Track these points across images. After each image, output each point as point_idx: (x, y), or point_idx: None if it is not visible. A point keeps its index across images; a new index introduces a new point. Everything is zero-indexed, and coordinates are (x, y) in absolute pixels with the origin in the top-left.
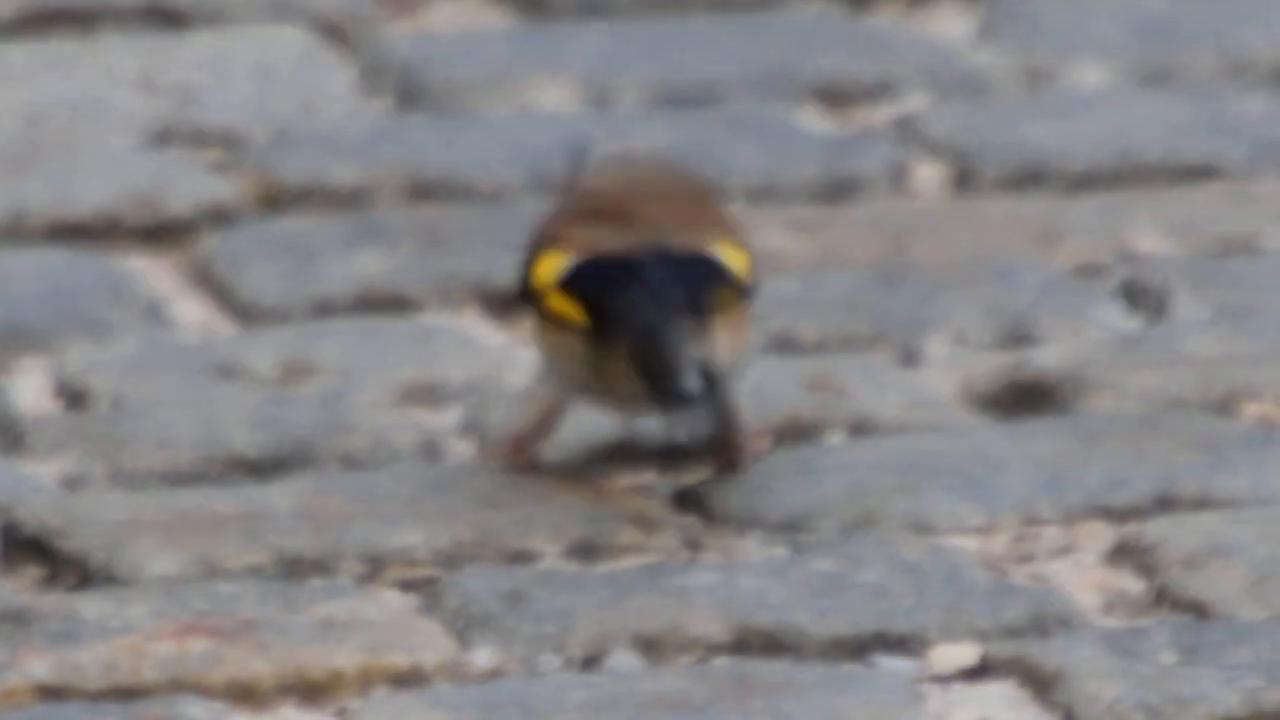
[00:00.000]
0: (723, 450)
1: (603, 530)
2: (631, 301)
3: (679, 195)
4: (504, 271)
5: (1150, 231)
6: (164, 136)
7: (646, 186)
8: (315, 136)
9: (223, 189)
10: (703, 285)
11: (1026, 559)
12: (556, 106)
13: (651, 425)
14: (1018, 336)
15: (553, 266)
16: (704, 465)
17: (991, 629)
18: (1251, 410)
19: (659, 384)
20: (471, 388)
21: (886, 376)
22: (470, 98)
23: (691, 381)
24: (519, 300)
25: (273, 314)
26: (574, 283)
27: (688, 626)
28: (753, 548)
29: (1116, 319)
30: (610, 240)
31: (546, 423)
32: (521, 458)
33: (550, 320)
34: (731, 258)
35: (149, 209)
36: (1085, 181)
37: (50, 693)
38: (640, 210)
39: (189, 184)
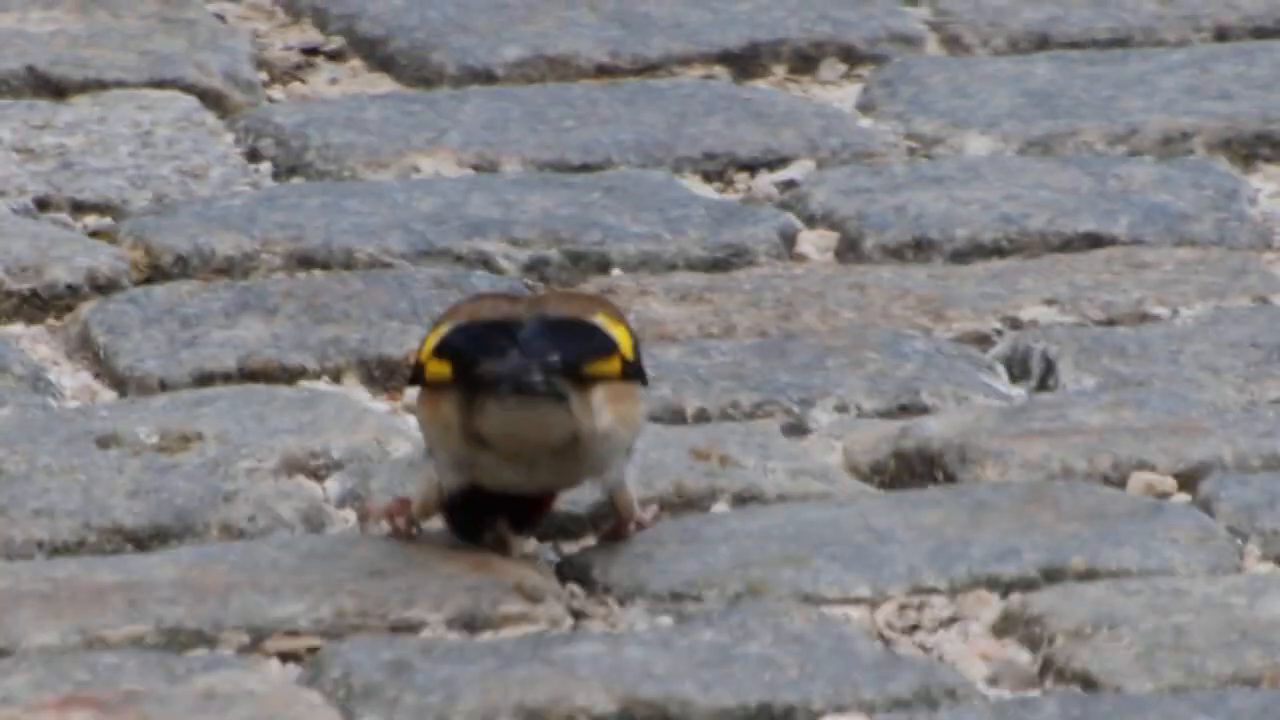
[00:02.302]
0: (610, 523)
1: (486, 600)
2: (497, 352)
3: (568, 293)
4: (386, 339)
5: (1036, 300)
6: (42, 204)
7: (538, 292)
8: (196, 205)
9: (102, 257)
10: (577, 337)
11: (914, 629)
12: (438, 173)
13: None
14: (904, 405)
15: (434, 338)
16: (589, 535)
17: (879, 700)
18: (1139, 481)
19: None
20: (353, 456)
21: (772, 446)
22: (351, 165)
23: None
24: (411, 383)
25: (152, 383)
26: (447, 342)
27: (573, 697)
28: (638, 618)
29: (1002, 388)
30: (487, 311)
31: (426, 504)
32: (404, 521)
33: (426, 388)
34: (613, 329)
35: (28, 276)
36: (971, 250)
37: None
38: (529, 298)
39: (68, 251)
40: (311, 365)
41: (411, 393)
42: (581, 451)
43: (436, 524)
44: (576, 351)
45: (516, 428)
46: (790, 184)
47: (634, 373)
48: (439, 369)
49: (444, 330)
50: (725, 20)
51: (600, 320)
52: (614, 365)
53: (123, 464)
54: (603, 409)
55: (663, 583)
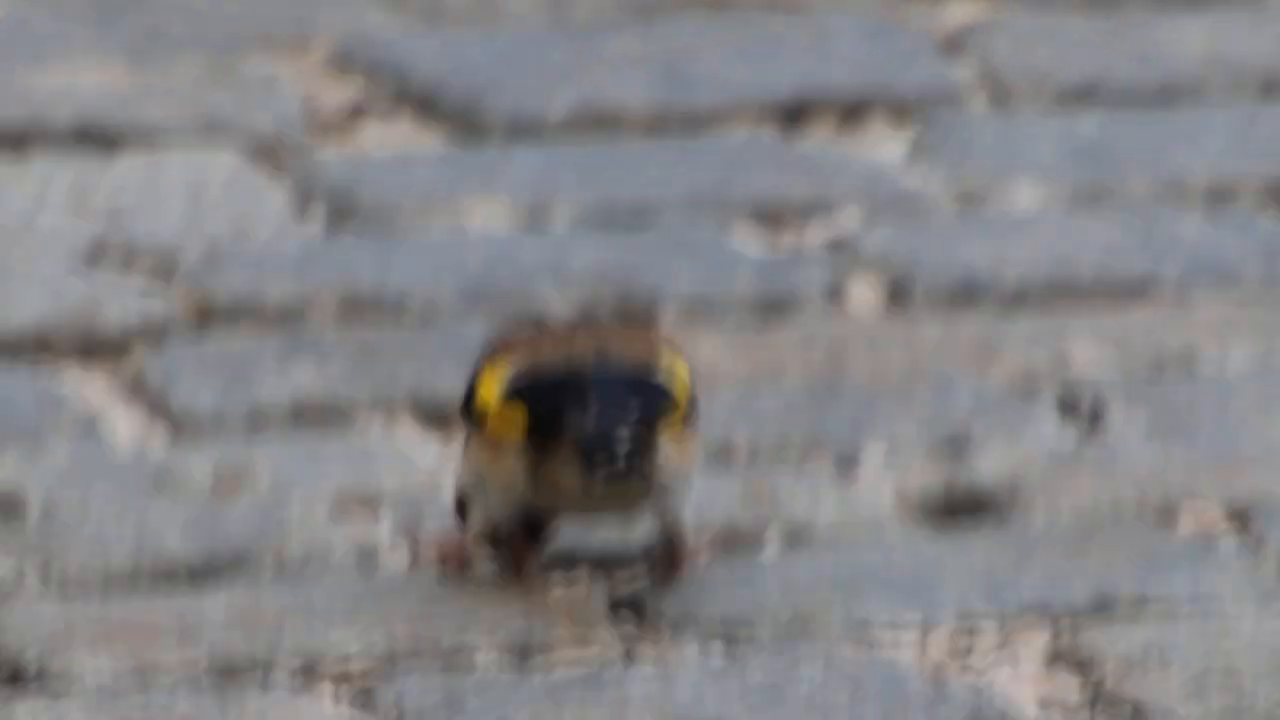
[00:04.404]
0: (664, 560)
1: (539, 635)
2: (573, 402)
3: (618, 326)
4: (438, 384)
5: (1086, 347)
6: (96, 256)
7: (587, 323)
8: (247, 256)
9: (155, 306)
10: (649, 395)
11: (964, 660)
12: (489, 226)
13: (588, 533)
14: (954, 448)
15: (495, 381)
16: (642, 573)
17: None
18: (1188, 521)
19: (597, 453)
20: (406, 498)
21: (823, 487)
22: (402, 218)
23: (626, 446)
24: (464, 425)
25: (207, 426)
26: (513, 390)
27: None
28: (689, 654)
29: (1052, 432)
30: (550, 353)
31: (471, 553)
32: (456, 563)
33: (490, 437)
34: (676, 371)
35: (82, 325)
36: (1020, 299)
37: None
38: (581, 333)
39: (121, 301)
40: (364, 409)
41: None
42: (648, 503)
43: (489, 562)
44: (649, 415)
45: (595, 496)
46: (839, 236)
47: (690, 416)
48: (508, 426)
49: (504, 374)
50: (772, 73)
51: (662, 366)
52: (677, 419)
53: (176, 505)
54: (668, 461)
55: (714, 616)
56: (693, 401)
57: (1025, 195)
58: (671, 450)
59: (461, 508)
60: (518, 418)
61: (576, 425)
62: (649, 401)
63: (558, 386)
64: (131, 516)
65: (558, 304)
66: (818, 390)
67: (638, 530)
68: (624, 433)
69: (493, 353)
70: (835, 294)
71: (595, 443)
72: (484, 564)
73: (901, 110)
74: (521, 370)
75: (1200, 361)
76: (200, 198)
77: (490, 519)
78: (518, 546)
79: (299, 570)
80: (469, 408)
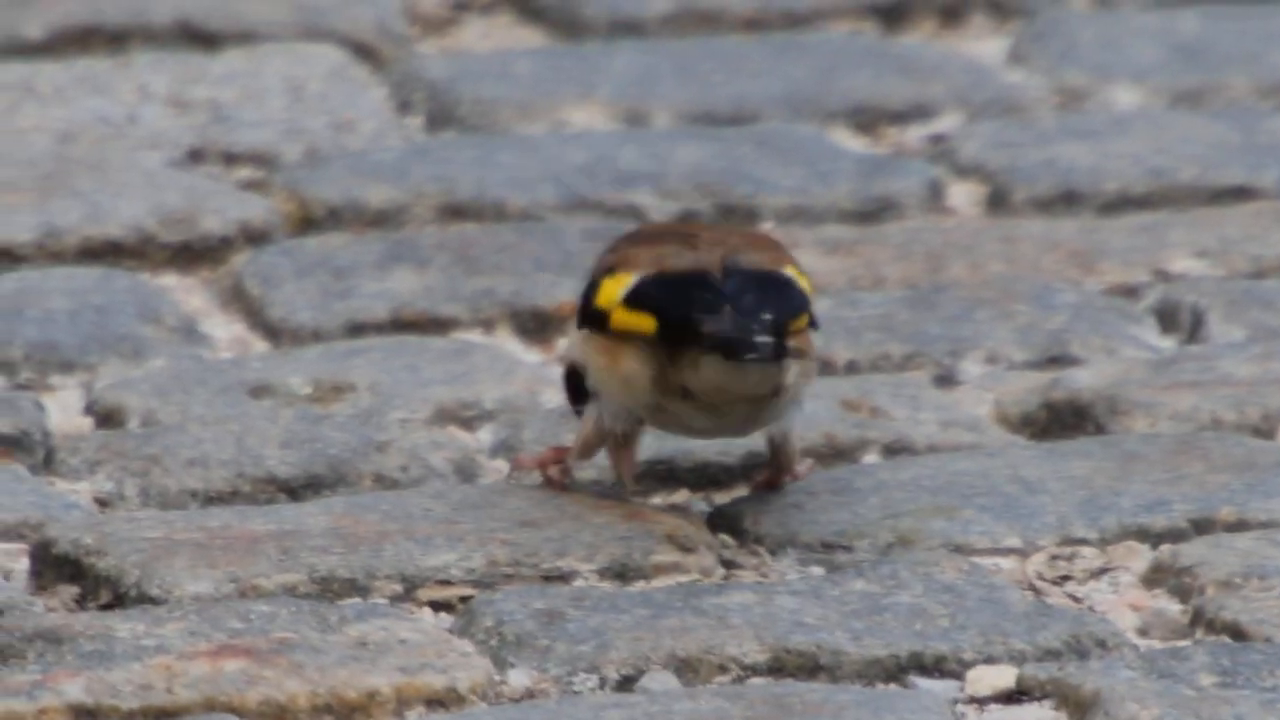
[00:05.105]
0: (768, 475)
1: (638, 550)
2: (707, 306)
3: (739, 230)
4: (538, 291)
5: (1185, 253)
6: (195, 155)
7: (705, 224)
8: (347, 156)
9: (254, 208)
10: (784, 301)
11: (1064, 580)
12: (588, 126)
13: (697, 447)
14: (1053, 357)
15: (617, 287)
16: (741, 485)
17: (1029, 651)
18: None
19: (735, 341)
20: (505, 407)
21: (922, 397)
22: (502, 117)
23: (765, 337)
24: (584, 325)
25: (305, 333)
26: (640, 293)
27: (724, 647)
28: (789, 568)
29: (1152, 340)
30: (676, 259)
31: (588, 446)
32: (558, 471)
33: (612, 338)
34: (801, 281)
35: (180, 228)
36: (1119, 203)
37: (84, 713)
38: (704, 235)
39: (220, 203)
40: (464, 316)
41: (566, 342)
42: (774, 403)
43: (588, 474)
44: (784, 312)
45: (734, 384)
46: (939, 137)
47: (814, 324)
48: (636, 321)
49: (629, 279)
50: None
51: (790, 272)
52: (805, 322)
53: (276, 414)
54: (793, 364)
55: (814, 533)
56: (813, 309)
57: (1124, 95)
58: (798, 359)
59: (574, 388)
60: (646, 321)
61: (714, 321)
62: (780, 300)
63: (691, 289)
64: (229, 428)
65: (657, 207)
66: (915, 297)
67: (741, 444)
68: (760, 324)
69: (614, 259)
70: (934, 197)
71: (738, 334)
72: (583, 477)
73: (1002, 9)
74: (650, 277)
75: None
76: (299, 97)
77: (603, 423)
78: (619, 451)
79: (398, 482)
80: (588, 311)
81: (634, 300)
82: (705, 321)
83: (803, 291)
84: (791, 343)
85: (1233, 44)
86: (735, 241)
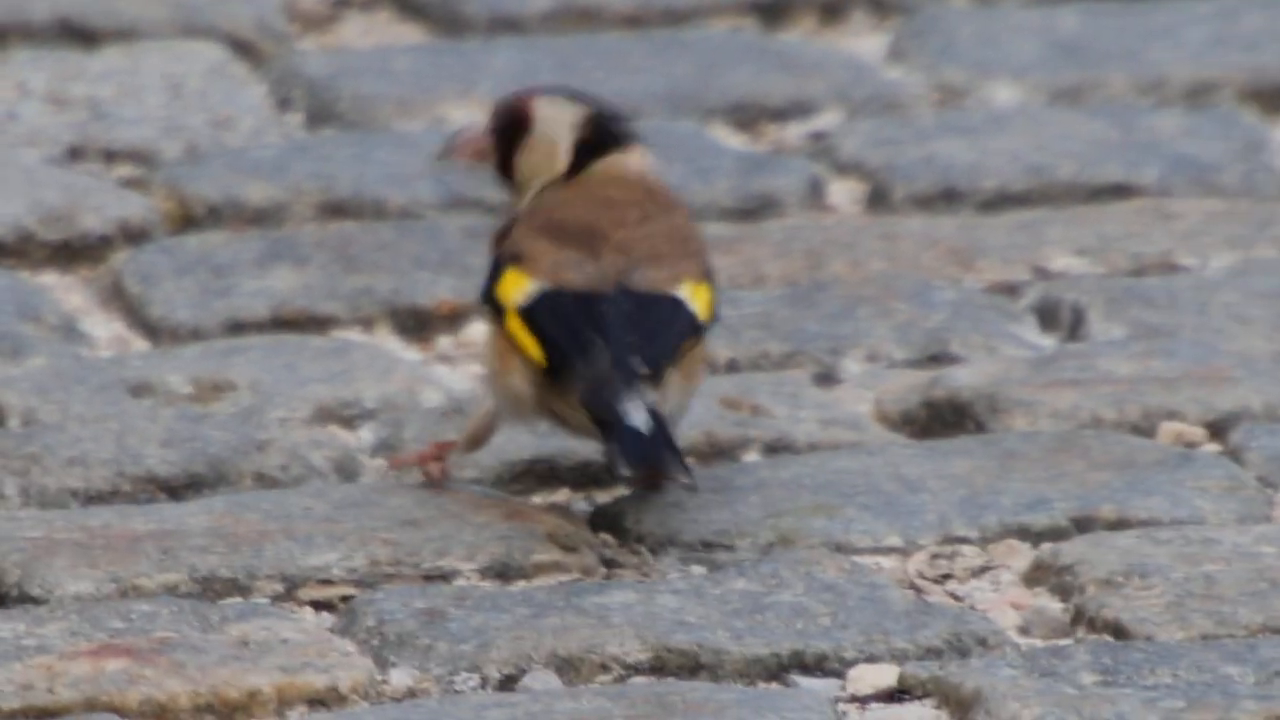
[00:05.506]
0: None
1: (519, 549)
2: (586, 348)
3: (655, 220)
4: (418, 289)
5: (1065, 250)
6: (75, 153)
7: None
8: (226, 154)
9: (134, 206)
10: (664, 338)
11: (945, 579)
12: (468, 123)
13: (578, 446)
14: (933, 355)
15: (517, 287)
16: (622, 485)
17: (910, 649)
18: (1169, 430)
19: (608, 427)
20: (386, 405)
21: (802, 395)
22: (382, 114)
23: (640, 422)
24: (482, 306)
25: (185, 332)
26: (534, 313)
27: (606, 645)
28: (670, 567)
29: (1032, 338)
30: (575, 270)
31: (478, 435)
32: (438, 468)
33: (505, 340)
34: (697, 298)
35: (60, 226)
36: (999, 200)
37: None
38: (609, 233)
39: (100, 201)
40: (343, 314)
41: (445, 343)
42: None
43: (469, 473)
44: (666, 349)
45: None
46: (819, 134)
47: (714, 320)
48: (526, 343)
49: (527, 285)
50: None
51: (686, 289)
52: (694, 343)
53: (156, 413)
54: (676, 386)
55: (695, 532)
56: (711, 320)
57: (1004, 92)
58: (682, 378)
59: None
60: (535, 350)
61: (588, 380)
62: (664, 334)
63: (575, 322)
64: (110, 426)
65: None
66: (796, 295)
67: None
68: (635, 374)
69: (519, 246)
70: (814, 194)
71: (604, 410)
72: (461, 475)
73: (882, 6)
74: (546, 292)
75: (1180, 267)
76: (179, 94)
77: (493, 418)
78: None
79: (279, 481)
80: (489, 292)
81: (528, 317)
82: (579, 379)
83: (690, 315)
84: (653, 402)
85: (1112, 41)
86: (642, 245)
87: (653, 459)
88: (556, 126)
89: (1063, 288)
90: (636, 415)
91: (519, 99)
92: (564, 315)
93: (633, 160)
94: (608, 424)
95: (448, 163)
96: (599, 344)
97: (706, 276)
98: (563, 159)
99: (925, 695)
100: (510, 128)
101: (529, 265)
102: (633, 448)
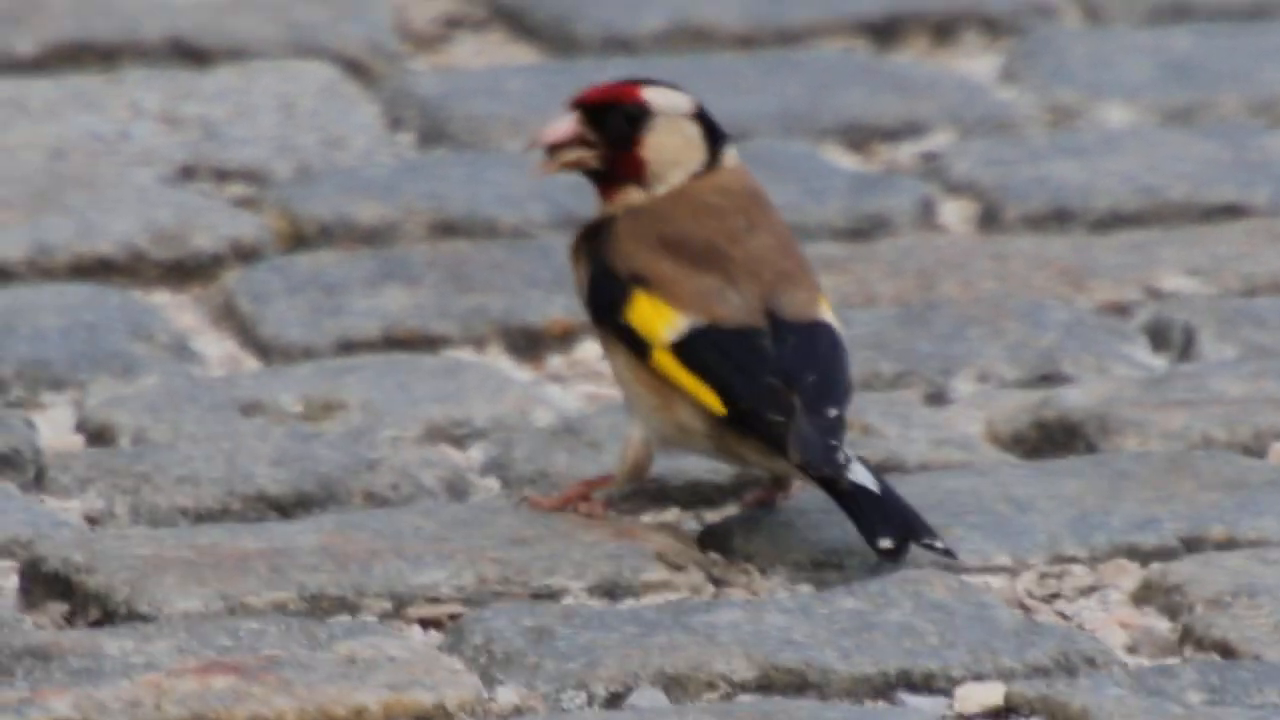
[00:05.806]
0: (754, 489)
1: (628, 568)
2: (768, 396)
3: (747, 215)
4: (529, 308)
5: (1176, 270)
6: (187, 172)
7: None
8: (338, 173)
9: (246, 225)
10: (836, 373)
11: (1053, 598)
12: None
13: (688, 465)
14: (1044, 375)
15: (660, 319)
16: (731, 503)
17: (1018, 668)
18: (1279, 450)
19: (832, 488)
20: (496, 425)
21: (913, 415)
22: (494, 135)
23: (866, 479)
24: (599, 322)
25: (296, 351)
26: (693, 354)
27: (712, 664)
28: (778, 585)
29: (1143, 358)
30: (720, 302)
31: (639, 465)
32: (587, 506)
33: (656, 375)
34: (835, 315)
35: (172, 245)
36: (1111, 221)
37: None
38: (728, 249)
39: (212, 220)
40: (455, 334)
41: (556, 363)
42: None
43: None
44: (843, 387)
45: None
46: (931, 155)
47: None
48: (696, 389)
49: (675, 320)
50: None
51: (825, 309)
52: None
53: (266, 432)
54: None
55: (804, 551)
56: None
57: (1116, 113)
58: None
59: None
60: (710, 398)
61: (795, 437)
62: (838, 375)
63: (747, 361)
64: (220, 445)
65: None
66: (907, 315)
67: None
68: (836, 427)
69: (642, 267)
70: (926, 214)
71: (827, 472)
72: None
73: (994, 27)
74: (701, 329)
75: None
76: (291, 114)
77: (650, 445)
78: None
79: (388, 500)
80: (617, 319)
81: (689, 358)
82: (788, 440)
83: (842, 340)
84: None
85: (1224, 61)
86: (765, 262)
87: (902, 525)
88: (678, 113)
89: (1174, 308)
90: (859, 472)
91: (618, 87)
92: (729, 357)
93: (729, 159)
94: (832, 485)
95: (542, 168)
96: (778, 387)
97: (820, 290)
98: (702, 146)
99: (1032, 714)
100: (618, 119)
101: (665, 294)
102: (878, 513)
